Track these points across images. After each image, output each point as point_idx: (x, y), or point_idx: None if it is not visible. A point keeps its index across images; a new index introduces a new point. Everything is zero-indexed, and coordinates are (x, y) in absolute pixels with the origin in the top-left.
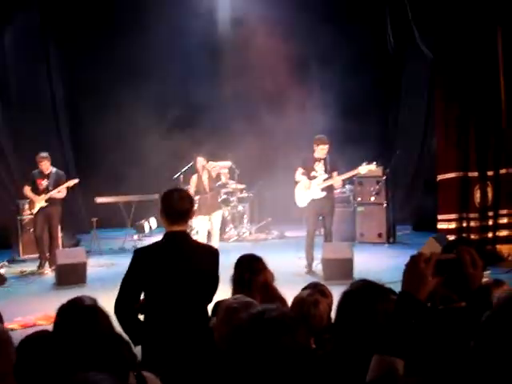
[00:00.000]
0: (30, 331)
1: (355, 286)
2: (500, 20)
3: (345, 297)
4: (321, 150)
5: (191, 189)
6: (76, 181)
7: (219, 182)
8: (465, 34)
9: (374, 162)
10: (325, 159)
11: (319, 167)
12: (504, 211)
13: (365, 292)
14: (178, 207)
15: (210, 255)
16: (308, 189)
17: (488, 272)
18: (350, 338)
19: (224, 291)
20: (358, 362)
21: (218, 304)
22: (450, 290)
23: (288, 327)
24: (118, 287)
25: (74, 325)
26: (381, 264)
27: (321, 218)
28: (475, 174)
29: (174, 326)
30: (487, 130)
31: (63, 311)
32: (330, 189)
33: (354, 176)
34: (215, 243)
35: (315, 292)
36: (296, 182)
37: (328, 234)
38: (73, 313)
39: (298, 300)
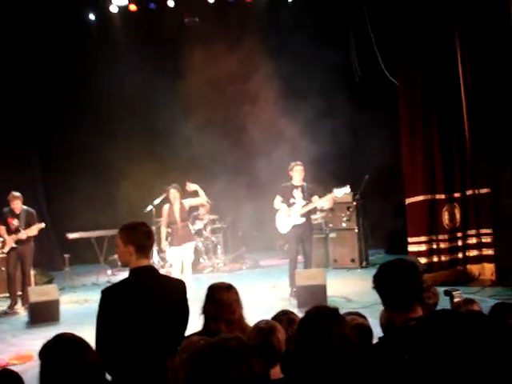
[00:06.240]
0: None
1: (309, 312)
2: (460, 32)
3: (300, 324)
4: (297, 172)
5: (163, 219)
6: (42, 225)
7: (195, 213)
8: (426, 50)
9: (348, 185)
10: (302, 186)
11: (297, 194)
12: (472, 231)
13: (318, 318)
14: (147, 241)
15: (178, 289)
16: (288, 216)
17: (459, 292)
18: (308, 363)
19: (196, 323)
20: None
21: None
22: None
23: (244, 356)
24: (92, 323)
25: (61, 358)
26: (354, 288)
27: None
28: (442, 196)
29: (146, 362)
30: (452, 152)
31: (48, 347)
32: (308, 215)
33: (332, 199)
34: (188, 275)
35: (272, 320)
36: (276, 210)
37: (308, 259)
38: (58, 347)
39: (254, 328)
